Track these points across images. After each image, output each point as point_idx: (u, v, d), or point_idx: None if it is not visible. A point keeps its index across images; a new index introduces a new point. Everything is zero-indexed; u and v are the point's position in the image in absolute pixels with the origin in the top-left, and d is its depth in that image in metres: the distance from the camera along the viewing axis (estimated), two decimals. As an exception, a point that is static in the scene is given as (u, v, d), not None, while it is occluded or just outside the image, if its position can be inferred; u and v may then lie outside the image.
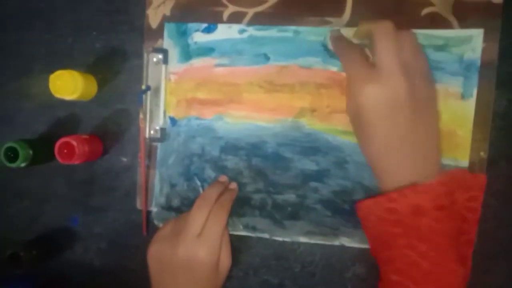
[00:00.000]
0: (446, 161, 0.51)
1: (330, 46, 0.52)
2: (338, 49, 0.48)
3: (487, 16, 0.50)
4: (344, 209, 0.53)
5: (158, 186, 0.56)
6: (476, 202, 0.47)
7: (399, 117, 0.41)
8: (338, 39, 0.48)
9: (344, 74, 0.52)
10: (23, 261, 0.55)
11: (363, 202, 0.45)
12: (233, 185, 0.53)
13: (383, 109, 0.41)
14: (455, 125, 0.51)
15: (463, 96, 0.51)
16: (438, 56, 0.51)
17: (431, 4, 0.51)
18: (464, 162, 0.51)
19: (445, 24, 0.51)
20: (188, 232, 0.46)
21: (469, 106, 0.51)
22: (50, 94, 0.53)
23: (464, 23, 0.50)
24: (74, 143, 0.52)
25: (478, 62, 0.50)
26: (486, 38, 0.50)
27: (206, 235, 0.45)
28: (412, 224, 0.41)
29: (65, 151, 0.53)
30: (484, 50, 0.50)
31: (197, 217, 0.46)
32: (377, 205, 0.43)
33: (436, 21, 0.51)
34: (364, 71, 0.42)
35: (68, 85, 0.52)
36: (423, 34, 0.51)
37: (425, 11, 0.51)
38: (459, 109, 0.51)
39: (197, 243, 0.45)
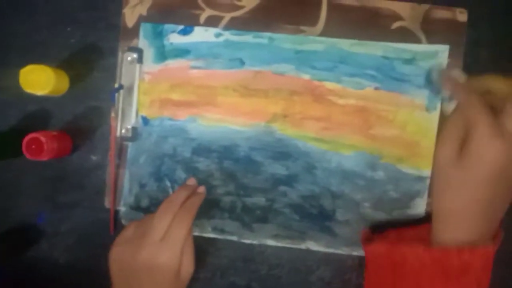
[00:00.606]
0: (410, 170, 0.53)
1: (435, 79, 0.51)
2: (461, 93, 0.42)
3: (452, 33, 0.52)
4: (312, 213, 0.54)
5: (127, 186, 0.56)
6: None
7: (503, 181, 0.39)
8: (459, 84, 0.45)
9: (316, 83, 0.54)
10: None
11: (401, 247, 0.43)
12: (201, 189, 0.50)
13: (500, 168, 0.38)
14: (419, 136, 0.53)
15: (427, 109, 0.53)
16: (405, 69, 0.53)
17: (401, 19, 0.53)
18: (426, 171, 0.53)
19: (414, 39, 0.53)
20: (151, 235, 0.44)
21: (433, 118, 0.53)
22: (21, 88, 0.52)
23: (431, 38, 0.53)
24: (43, 139, 0.51)
25: (443, 77, 0.52)
26: (451, 54, 0.52)
27: (169, 239, 0.44)
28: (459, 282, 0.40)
29: (33, 147, 0.52)
30: (449, 65, 0.53)
31: (161, 220, 0.45)
32: (427, 253, 0.41)
33: (405, 35, 0.53)
34: (495, 125, 0.38)
35: (39, 80, 0.52)
36: (393, 47, 0.53)
37: (395, 25, 0.53)
38: (423, 121, 0.53)
39: (159, 247, 0.44)
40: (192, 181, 0.51)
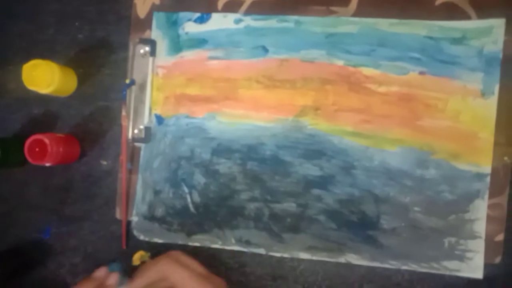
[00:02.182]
0: (467, 167, 0.46)
1: None
2: None
3: (508, 4, 0.46)
4: (351, 221, 0.47)
5: (140, 193, 0.50)
6: None
7: None
8: None
9: (351, 69, 0.48)
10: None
11: None
12: (112, 280, 0.40)
13: None
14: (476, 127, 0.46)
15: (483, 94, 0.46)
16: (455, 50, 0.47)
17: (447, -7, 0.47)
18: (487, 168, 0.46)
19: (462, 15, 0.47)
20: None
21: (491, 105, 0.46)
22: (27, 89, 0.48)
23: (483, 13, 0.46)
24: (47, 141, 0.47)
25: (500, 56, 0.46)
26: (508, 29, 0.46)
27: None
28: None
29: (37, 149, 0.47)
30: (506, 43, 0.46)
31: None
32: None
33: (452, 12, 0.47)
34: None
35: (43, 76, 0.47)
36: (438, 26, 0.47)
37: (440, 0, 0.47)
38: (479, 109, 0.46)
39: None
40: (100, 272, 0.42)
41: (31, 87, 0.48)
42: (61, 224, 0.53)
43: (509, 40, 0.46)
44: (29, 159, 0.47)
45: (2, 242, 0.53)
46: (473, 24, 0.46)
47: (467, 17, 0.47)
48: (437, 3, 0.47)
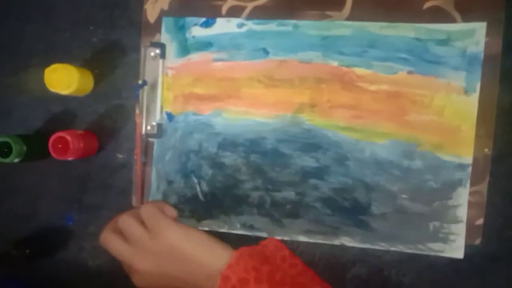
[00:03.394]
0: (450, 158, 0.50)
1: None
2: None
3: (490, 9, 0.49)
4: (345, 207, 0.52)
5: (155, 183, 0.55)
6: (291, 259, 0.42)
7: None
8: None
9: (344, 69, 0.51)
10: (14, 261, 0.53)
11: None
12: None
13: None
14: (458, 121, 0.50)
15: (466, 91, 0.50)
16: (440, 51, 0.50)
17: (433, -2, 0.50)
18: (468, 158, 0.50)
19: (448, 18, 0.50)
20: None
21: (473, 101, 0.50)
22: (46, 89, 0.52)
23: (466, 17, 0.50)
24: (69, 138, 0.51)
25: (481, 56, 0.49)
26: (489, 32, 0.49)
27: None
28: None
29: (60, 146, 0.52)
30: (487, 44, 0.49)
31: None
32: None
33: (438, 15, 0.50)
34: None
35: (63, 79, 0.51)
36: (425, 28, 0.50)
37: (427, 4, 0.50)
38: (462, 104, 0.50)
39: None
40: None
41: (53, 89, 0.52)
42: (81, 212, 0.57)
43: (490, 42, 0.49)
44: (53, 155, 0.51)
45: (27, 229, 0.58)
46: (457, 27, 0.50)
47: (452, 20, 0.50)
48: (424, 7, 0.50)
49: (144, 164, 0.55)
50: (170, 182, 0.55)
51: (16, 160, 0.52)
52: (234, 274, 0.37)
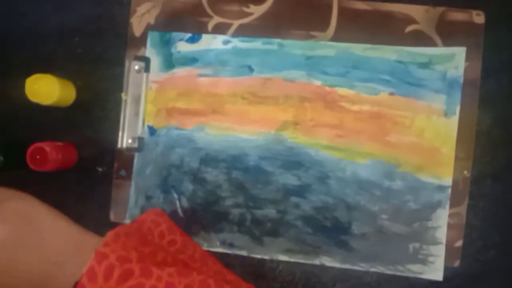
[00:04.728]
0: (430, 179, 0.50)
1: None
2: None
3: (470, 34, 0.50)
4: (325, 227, 0.51)
5: (133, 198, 0.54)
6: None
7: None
8: None
9: (327, 89, 0.52)
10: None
11: None
12: None
13: None
14: (438, 143, 0.51)
15: (446, 114, 0.51)
16: (421, 73, 0.51)
17: (415, 22, 0.51)
18: (448, 180, 0.50)
19: (429, 42, 0.51)
20: None
21: (452, 123, 0.50)
22: (27, 99, 0.52)
23: (447, 41, 0.51)
24: (48, 149, 0.50)
25: (461, 80, 0.50)
26: (468, 57, 0.50)
27: None
28: None
29: (38, 157, 0.51)
30: (467, 68, 0.50)
31: None
32: None
33: (420, 39, 0.51)
34: None
35: (44, 89, 0.51)
36: (407, 51, 0.51)
37: (409, 28, 0.51)
38: (442, 127, 0.51)
39: None
40: None
41: (34, 99, 0.51)
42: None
43: (470, 66, 0.50)
44: (31, 166, 0.50)
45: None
46: (438, 51, 0.51)
47: (433, 44, 0.51)
48: (406, 30, 0.52)
49: (124, 178, 0.54)
50: (149, 197, 0.54)
51: (-8, 170, 0.51)
52: (113, 252, 0.33)
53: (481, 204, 0.51)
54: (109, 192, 0.55)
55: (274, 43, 0.52)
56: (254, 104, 0.53)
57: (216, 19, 0.53)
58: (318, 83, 0.52)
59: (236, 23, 0.53)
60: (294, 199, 0.52)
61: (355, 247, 0.51)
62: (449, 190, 0.50)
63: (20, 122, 0.56)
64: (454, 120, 0.50)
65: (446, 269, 0.50)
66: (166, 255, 0.37)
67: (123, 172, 0.54)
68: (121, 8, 0.55)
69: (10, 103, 0.56)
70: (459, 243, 0.50)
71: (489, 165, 0.51)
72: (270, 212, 0.52)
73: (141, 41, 0.54)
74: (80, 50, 0.56)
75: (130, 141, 0.54)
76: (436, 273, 0.50)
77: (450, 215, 0.50)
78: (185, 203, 0.53)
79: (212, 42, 0.53)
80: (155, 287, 0.32)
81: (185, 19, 0.54)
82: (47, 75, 0.51)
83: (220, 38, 0.53)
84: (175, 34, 0.54)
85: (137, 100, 0.54)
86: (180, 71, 0.54)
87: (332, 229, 0.51)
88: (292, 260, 0.52)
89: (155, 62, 0.54)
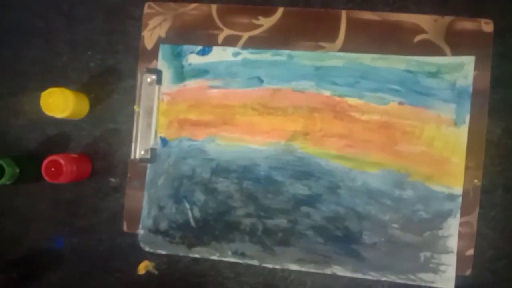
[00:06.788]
0: (441, 188, 0.51)
1: None
2: None
3: (478, 44, 0.51)
4: (336, 236, 0.52)
5: (146, 208, 0.55)
6: None
7: None
8: None
9: (337, 99, 0.52)
10: (1, 285, 0.52)
11: None
12: None
13: None
14: (448, 152, 0.51)
15: (455, 123, 0.51)
16: (430, 83, 0.51)
17: (424, 32, 0.52)
18: (458, 189, 0.50)
19: (438, 51, 0.51)
20: None
21: (462, 133, 0.51)
22: (42, 112, 0.53)
23: (456, 50, 0.51)
24: (62, 161, 0.51)
25: (470, 89, 0.50)
26: (478, 66, 0.50)
27: None
28: None
29: (53, 169, 0.52)
30: (476, 77, 0.50)
31: None
32: None
33: (429, 48, 0.51)
34: None
35: (59, 103, 0.52)
36: (416, 61, 0.51)
37: (418, 38, 0.52)
38: (452, 136, 0.51)
39: None
40: None
41: (48, 112, 0.52)
42: (71, 235, 0.57)
43: (479, 75, 0.51)
44: (46, 178, 0.51)
45: (16, 251, 0.57)
46: (447, 60, 0.51)
47: (442, 53, 0.51)
48: (415, 40, 0.52)
49: (137, 188, 0.55)
50: (161, 208, 0.55)
51: (9, 182, 0.52)
52: None
53: (492, 213, 0.51)
54: (122, 203, 0.56)
55: (283, 54, 0.53)
56: (264, 114, 0.53)
57: (226, 32, 0.54)
58: (327, 93, 0.52)
59: (246, 35, 0.54)
60: (304, 208, 0.52)
61: (366, 257, 0.51)
62: (460, 199, 0.50)
63: (35, 135, 0.57)
64: (464, 129, 0.50)
65: (457, 278, 0.50)
66: None
67: (136, 183, 0.55)
68: (133, 22, 0.56)
69: (25, 117, 0.57)
70: (470, 252, 0.50)
71: (500, 174, 0.51)
72: (281, 222, 0.52)
73: (153, 54, 0.55)
74: (93, 64, 0.57)
75: (142, 152, 0.54)
76: (447, 282, 0.50)
77: (461, 224, 0.50)
78: (197, 213, 0.54)
79: (222, 54, 0.54)
80: None
81: (195, 32, 0.54)
82: (62, 88, 0.52)
83: (230, 50, 0.54)
84: (186, 47, 0.54)
85: (149, 112, 0.54)
86: (191, 83, 0.54)
87: (343, 239, 0.51)
88: (303, 269, 0.52)
89: (167, 74, 0.55)
